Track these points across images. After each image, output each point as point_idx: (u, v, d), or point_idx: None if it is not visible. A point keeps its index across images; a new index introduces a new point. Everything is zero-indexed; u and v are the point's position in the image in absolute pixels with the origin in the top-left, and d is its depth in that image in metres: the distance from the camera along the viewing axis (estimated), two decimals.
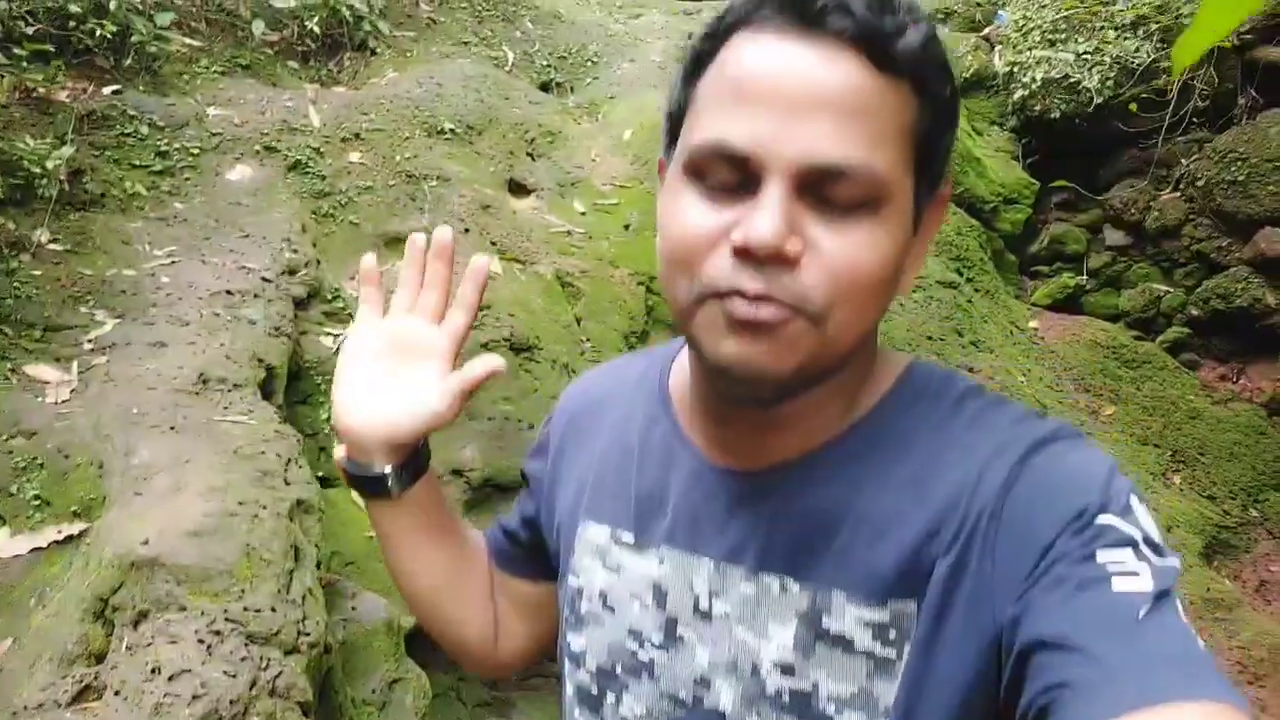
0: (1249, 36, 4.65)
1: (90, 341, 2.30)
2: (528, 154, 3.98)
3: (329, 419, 2.72)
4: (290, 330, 2.59)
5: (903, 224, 0.65)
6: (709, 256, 0.64)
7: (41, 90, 2.83)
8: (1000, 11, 5.65)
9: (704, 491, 0.76)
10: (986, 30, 5.70)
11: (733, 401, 0.71)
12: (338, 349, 2.77)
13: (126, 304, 2.44)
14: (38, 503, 1.92)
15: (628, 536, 0.81)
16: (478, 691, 2.51)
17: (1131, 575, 0.57)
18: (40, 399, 2.12)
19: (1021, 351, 4.66)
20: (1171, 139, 4.86)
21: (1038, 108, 5.09)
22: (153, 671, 1.49)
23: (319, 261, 2.97)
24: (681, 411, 0.81)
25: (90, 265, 2.52)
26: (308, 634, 1.69)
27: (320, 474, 2.52)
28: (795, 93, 0.61)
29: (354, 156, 3.49)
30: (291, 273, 2.79)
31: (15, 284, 2.33)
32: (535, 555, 0.96)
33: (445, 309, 0.87)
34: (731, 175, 0.63)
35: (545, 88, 4.67)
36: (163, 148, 3.01)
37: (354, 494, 0.96)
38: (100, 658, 1.60)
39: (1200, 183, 4.76)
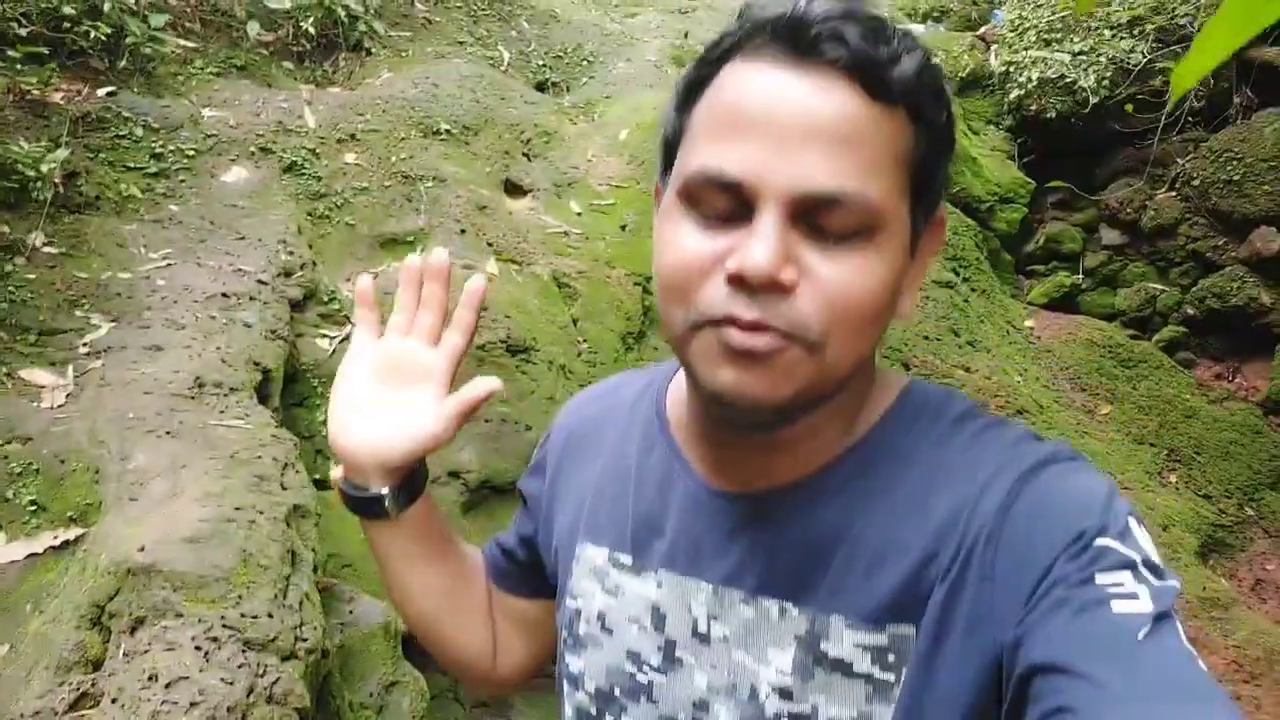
0: None
1: (85, 345, 2.29)
2: (524, 154, 3.98)
3: (325, 421, 2.70)
4: (286, 333, 2.58)
5: (899, 250, 0.65)
6: (704, 284, 0.64)
7: (36, 92, 2.82)
8: (996, 11, 5.66)
9: (702, 514, 0.76)
10: (982, 29, 5.71)
11: (730, 427, 0.71)
12: (334, 352, 2.77)
13: (122, 307, 2.43)
14: (34, 508, 1.91)
15: (626, 559, 0.81)
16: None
17: (1131, 598, 0.57)
18: (35, 404, 2.11)
19: (1018, 351, 4.67)
20: (1167, 138, 4.87)
21: (1034, 107, 5.09)
22: (150, 679, 1.48)
23: (315, 263, 2.97)
24: (679, 433, 0.81)
25: (85, 268, 2.51)
26: (305, 640, 1.69)
27: (316, 477, 2.52)
28: (789, 122, 0.61)
29: (349, 157, 3.48)
30: (287, 275, 2.79)
31: (10, 288, 2.33)
32: (533, 574, 0.95)
33: (442, 330, 0.87)
34: (726, 203, 0.63)
35: (541, 87, 4.66)
36: (157, 150, 3.00)
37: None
38: (97, 665, 1.60)
39: (1196, 182, 4.77)
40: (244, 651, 1.57)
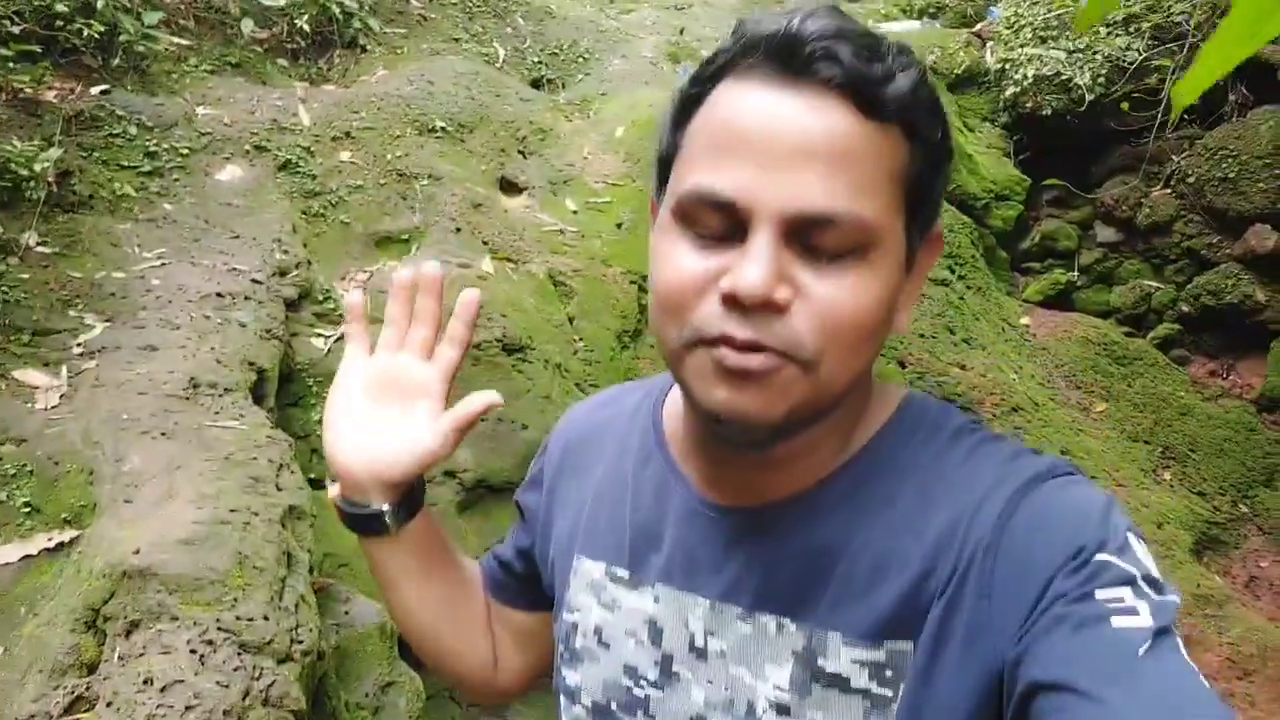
0: None
1: (79, 345, 2.28)
2: (519, 152, 3.97)
3: (320, 420, 2.70)
4: (281, 332, 2.58)
5: (894, 267, 0.65)
6: (698, 303, 0.64)
7: (28, 91, 2.81)
8: (992, 8, 5.66)
9: (699, 529, 0.76)
10: (978, 26, 5.70)
11: (726, 444, 0.71)
12: (329, 351, 2.76)
13: (116, 307, 2.43)
14: (28, 510, 1.91)
15: (623, 572, 0.81)
16: None
17: (1130, 613, 0.57)
18: (29, 405, 2.11)
19: (1013, 349, 4.67)
20: (1163, 136, 4.87)
21: (1029, 104, 5.09)
22: (145, 682, 1.48)
23: (310, 262, 2.96)
24: (675, 446, 0.81)
25: (79, 268, 2.50)
26: (301, 642, 1.68)
27: (311, 477, 2.51)
28: (782, 141, 0.61)
29: (344, 155, 3.47)
30: (282, 274, 2.78)
31: (3, 288, 2.32)
32: (530, 586, 0.95)
33: (435, 344, 0.85)
34: (720, 223, 0.63)
35: (536, 84, 4.65)
36: (151, 148, 2.99)
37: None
38: (92, 668, 1.59)
39: (1191, 179, 4.77)
40: (239, 654, 1.57)
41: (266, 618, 1.64)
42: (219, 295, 2.54)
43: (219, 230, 2.86)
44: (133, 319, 2.40)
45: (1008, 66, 5.19)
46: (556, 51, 4.87)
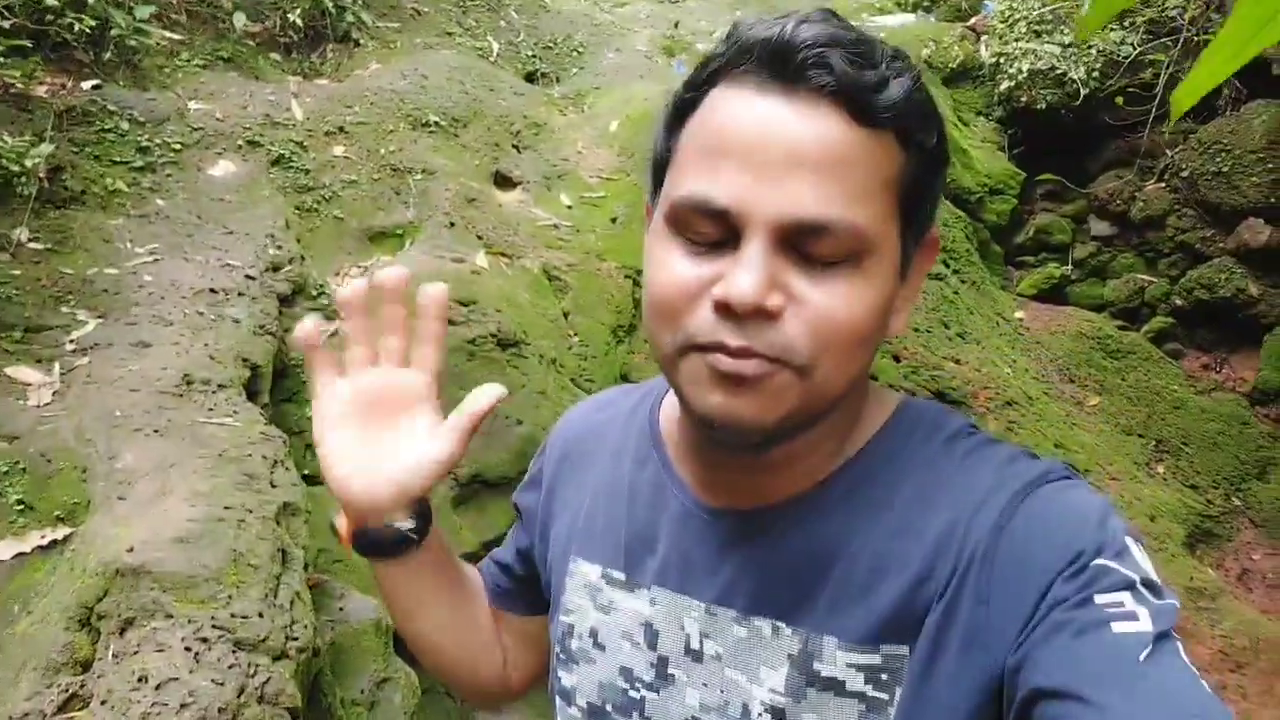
0: None
1: (72, 342, 2.27)
2: (513, 146, 3.96)
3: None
4: (275, 328, 2.57)
5: (888, 273, 0.65)
6: (691, 309, 0.64)
7: (19, 86, 2.79)
8: (987, 2, 5.65)
9: (694, 532, 0.76)
10: (973, 20, 5.70)
11: (721, 447, 0.71)
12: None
13: (108, 303, 2.42)
14: (20, 507, 1.90)
15: (619, 575, 0.81)
16: None
17: (1130, 618, 0.57)
18: (22, 402, 2.10)
19: (1007, 342, 4.68)
20: (1157, 130, 4.87)
21: (1024, 99, 5.09)
22: (140, 680, 1.48)
23: (303, 257, 2.95)
24: (672, 450, 0.81)
25: (71, 264, 2.49)
26: (296, 639, 1.68)
27: (305, 473, 2.50)
28: (775, 149, 0.61)
29: (338, 150, 3.46)
30: (275, 269, 2.77)
31: None
32: (531, 588, 0.95)
33: (407, 351, 0.80)
34: (713, 230, 0.63)
35: (530, 78, 4.64)
36: (143, 143, 2.98)
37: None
38: (86, 666, 1.59)
39: (1185, 174, 4.78)
40: (234, 652, 1.57)
41: (261, 615, 1.64)
42: (212, 291, 2.53)
43: (212, 226, 2.85)
44: (125, 315, 2.39)
45: (1002, 60, 5.19)
46: (550, 45, 4.86)
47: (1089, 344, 4.79)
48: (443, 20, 4.59)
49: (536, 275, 3.37)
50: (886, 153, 0.63)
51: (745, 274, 0.60)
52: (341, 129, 3.53)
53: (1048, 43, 4.98)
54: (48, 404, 2.11)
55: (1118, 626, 0.57)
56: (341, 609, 2.12)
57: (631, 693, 0.78)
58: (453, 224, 3.35)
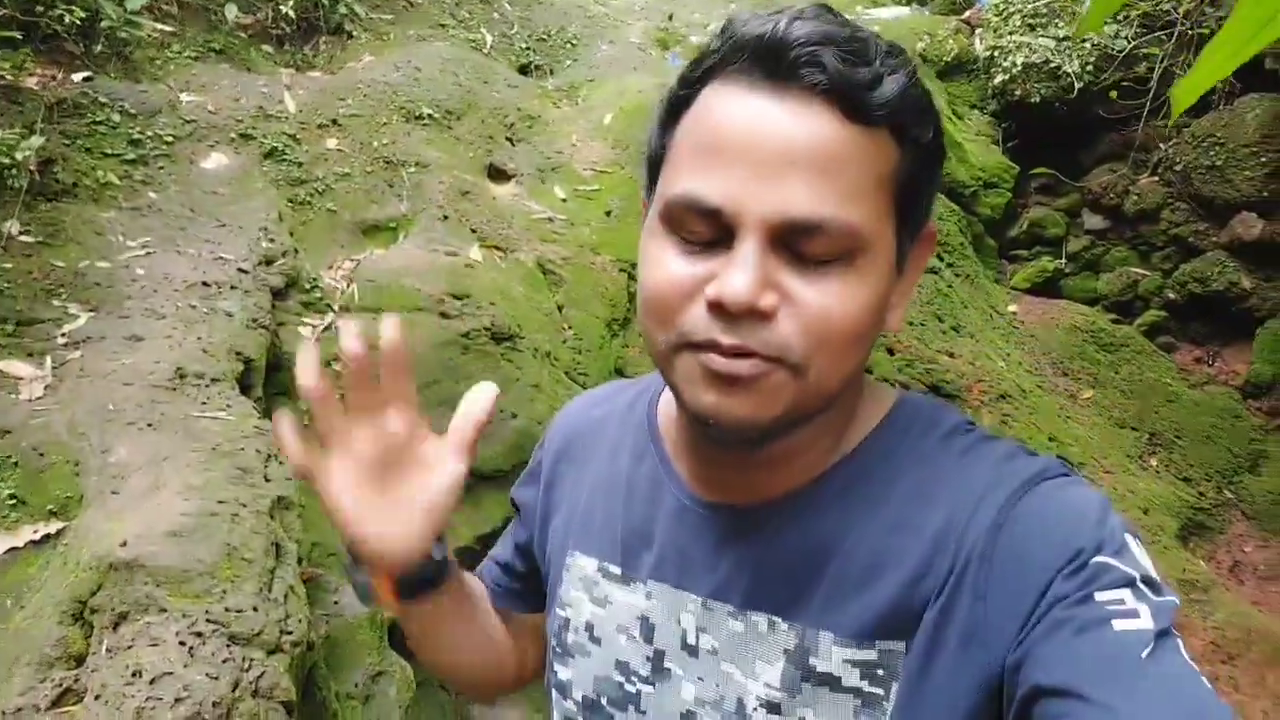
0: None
1: (64, 336, 2.26)
2: (507, 139, 3.95)
3: (309, 411, 2.68)
4: (268, 322, 2.56)
5: (883, 270, 0.65)
6: (684, 308, 0.64)
7: (9, 78, 2.77)
8: None
9: (691, 528, 0.76)
10: (967, 13, 5.70)
11: (717, 443, 0.71)
12: (317, 340, 2.74)
13: (101, 297, 2.40)
14: (13, 502, 1.89)
15: (615, 569, 0.81)
16: None
17: (1131, 616, 0.57)
18: (14, 396, 2.09)
19: (1001, 336, 4.69)
20: (1151, 124, 4.88)
21: (1018, 92, 5.09)
22: (134, 675, 1.47)
23: (297, 251, 2.94)
24: (669, 445, 0.81)
25: (63, 257, 2.47)
26: (290, 633, 1.68)
27: None
28: (767, 148, 0.61)
29: (331, 143, 3.44)
30: (269, 263, 2.76)
31: None
32: (534, 584, 0.94)
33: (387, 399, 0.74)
34: (707, 229, 0.63)
35: (524, 70, 4.63)
36: (135, 136, 2.96)
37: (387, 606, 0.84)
38: (80, 660, 1.58)
39: (1178, 167, 4.79)
40: (229, 646, 1.56)
41: (255, 609, 1.64)
42: (205, 284, 2.53)
43: (204, 219, 2.83)
44: (118, 309, 2.38)
45: (997, 54, 5.19)
46: (544, 37, 4.84)
47: (1082, 337, 4.80)
48: (436, 12, 4.57)
49: (531, 268, 3.36)
50: (881, 150, 0.63)
51: (738, 274, 0.60)
52: (334, 121, 3.51)
53: (1042, 36, 4.98)
54: (40, 398, 2.10)
55: (1119, 624, 0.57)
56: (336, 603, 2.12)
57: (627, 686, 0.78)
58: (446, 217, 3.34)
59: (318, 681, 1.89)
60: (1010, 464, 0.68)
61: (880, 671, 0.66)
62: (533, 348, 3.04)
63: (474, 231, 3.35)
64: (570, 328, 3.31)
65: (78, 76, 2.99)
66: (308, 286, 2.87)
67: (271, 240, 2.82)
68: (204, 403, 2.12)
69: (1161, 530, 3.99)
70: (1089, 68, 4.86)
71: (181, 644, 1.53)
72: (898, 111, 0.62)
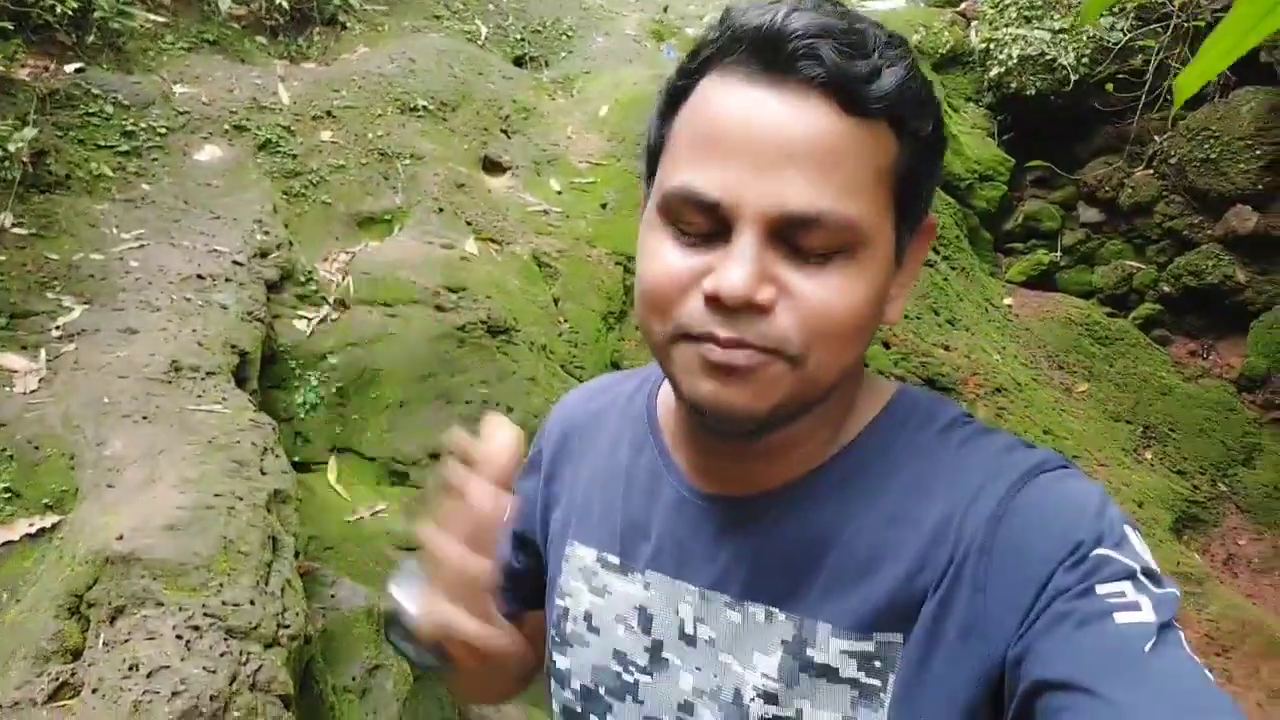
0: (1222, 15, 4.67)
1: (58, 328, 2.25)
2: (502, 131, 3.94)
3: (304, 403, 2.69)
4: (263, 314, 2.55)
5: (882, 263, 0.65)
6: (682, 300, 0.63)
7: (1, 69, 2.75)
8: None
9: (689, 518, 0.76)
10: (963, 5, 5.69)
11: (715, 434, 0.71)
12: (311, 333, 2.74)
13: (95, 289, 2.40)
14: (8, 495, 1.89)
15: (614, 559, 0.81)
16: None
17: (1133, 608, 0.57)
18: (8, 389, 2.08)
19: (996, 329, 4.70)
20: (1146, 116, 4.88)
21: (1014, 85, 5.09)
22: (131, 668, 1.47)
23: (291, 243, 2.93)
24: (668, 436, 0.81)
25: (56, 249, 2.46)
26: (287, 626, 1.68)
27: (296, 460, 2.50)
28: (765, 142, 0.60)
29: (325, 135, 3.43)
30: (263, 255, 2.75)
31: None
32: (535, 580, 0.93)
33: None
34: (705, 222, 0.63)
35: (519, 62, 4.61)
36: (129, 127, 2.95)
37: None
38: (76, 654, 1.58)
39: (1173, 160, 4.80)
40: (226, 639, 1.56)
41: (252, 602, 1.64)
42: (199, 277, 2.52)
43: (198, 211, 2.82)
44: (112, 301, 2.37)
45: (992, 46, 5.18)
46: (539, 29, 4.83)
47: (1077, 330, 4.81)
48: (430, 3, 4.55)
49: (526, 261, 3.35)
50: (879, 142, 0.62)
51: (735, 267, 0.60)
52: (329, 113, 3.50)
53: (1038, 28, 4.97)
54: (34, 391, 2.09)
55: (1120, 617, 0.57)
56: (333, 596, 2.12)
57: (625, 676, 0.78)
58: (441, 209, 3.33)
59: (315, 675, 1.89)
60: (1009, 456, 0.67)
61: (878, 663, 0.66)
62: (528, 341, 3.04)
63: (469, 224, 3.35)
64: (566, 321, 3.30)
65: (70, 68, 2.98)
66: (303, 279, 2.86)
67: (266, 232, 2.82)
68: (199, 396, 2.11)
69: (1156, 523, 4.00)
70: (1084, 60, 4.86)
71: (178, 638, 1.53)
72: (896, 104, 0.62)
